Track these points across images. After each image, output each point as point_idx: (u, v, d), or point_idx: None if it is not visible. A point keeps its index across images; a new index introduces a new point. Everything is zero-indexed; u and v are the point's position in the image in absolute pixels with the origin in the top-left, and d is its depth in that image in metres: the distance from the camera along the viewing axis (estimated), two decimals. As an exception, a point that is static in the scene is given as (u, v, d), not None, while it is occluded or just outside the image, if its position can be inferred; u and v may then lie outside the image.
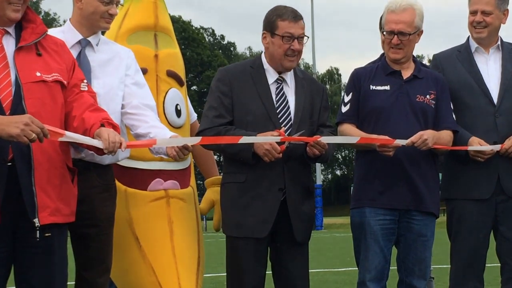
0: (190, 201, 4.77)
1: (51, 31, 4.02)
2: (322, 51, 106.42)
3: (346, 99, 4.80)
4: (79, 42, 4.25)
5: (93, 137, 3.61)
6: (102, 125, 3.64)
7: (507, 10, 4.95)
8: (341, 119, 4.79)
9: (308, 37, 4.64)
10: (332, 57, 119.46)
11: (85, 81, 3.83)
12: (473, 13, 4.90)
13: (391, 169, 4.62)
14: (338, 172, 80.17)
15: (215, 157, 5.53)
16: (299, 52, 4.58)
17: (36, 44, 3.64)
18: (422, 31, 4.77)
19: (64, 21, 4.43)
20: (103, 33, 4.62)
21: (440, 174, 5.03)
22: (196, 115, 5.17)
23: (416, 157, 4.63)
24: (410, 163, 4.64)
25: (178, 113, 4.74)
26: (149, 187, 4.58)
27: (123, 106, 4.25)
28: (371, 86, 4.74)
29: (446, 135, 4.71)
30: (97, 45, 4.30)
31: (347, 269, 11.42)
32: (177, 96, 4.77)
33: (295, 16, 4.55)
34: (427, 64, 5.27)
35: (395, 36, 4.68)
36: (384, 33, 4.73)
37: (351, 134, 4.66)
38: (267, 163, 4.41)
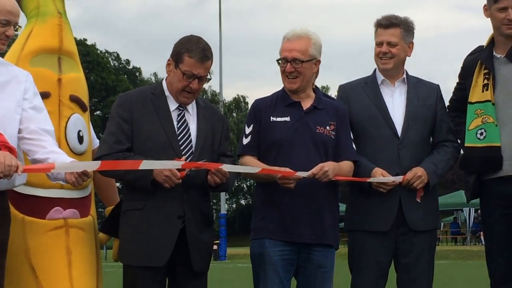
0: (90, 231, 4.67)
1: None
2: (230, 79, 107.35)
3: (247, 130, 4.78)
4: (-27, 64, 4.11)
5: None
6: (-2, 148, 3.52)
7: (412, 43, 5.04)
8: (242, 151, 4.78)
9: (210, 79, 4.61)
10: (239, 85, 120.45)
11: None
12: (379, 44, 4.98)
13: (291, 201, 4.62)
14: (242, 202, 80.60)
15: (117, 184, 5.43)
16: (197, 91, 4.56)
17: None
18: (319, 61, 4.79)
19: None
20: (3, 54, 4.48)
21: (343, 205, 5.06)
22: (98, 141, 5.07)
23: (316, 189, 4.63)
24: (310, 195, 4.64)
25: (81, 139, 4.64)
26: (48, 216, 4.46)
27: (20, 131, 4.12)
28: (271, 118, 4.73)
29: (346, 166, 4.73)
30: (-7, 67, 4.17)
31: (249, 299, 11.35)
32: (80, 122, 4.68)
33: (203, 57, 4.50)
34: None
35: (289, 63, 4.70)
36: (279, 61, 4.75)
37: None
38: (167, 191, 4.36)
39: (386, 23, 4.96)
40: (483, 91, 4.95)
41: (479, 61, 5.02)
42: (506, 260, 4.94)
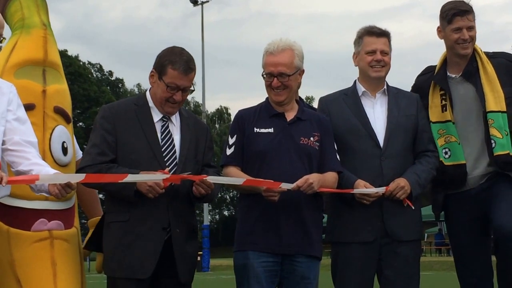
0: (74, 242, 4.66)
1: None
2: (212, 90, 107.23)
3: (231, 141, 4.78)
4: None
5: None
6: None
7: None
8: (225, 162, 4.77)
9: (193, 90, 4.61)
10: (222, 96, 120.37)
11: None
12: (371, 52, 4.97)
13: (274, 213, 4.62)
14: (226, 213, 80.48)
15: (100, 195, 5.42)
16: (180, 102, 4.57)
17: None
18: (303, 71, 4.81)
19: None
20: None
21: (326, 216, 5.07)
22: (81, 152, 5.07)
23: (299, 200, 4.64)
24: (294, 207, 4.64)
25: (65, 151, 4.64)
26: (33, 228, 4.45)
27: (3, 142, 4.11)
28: (255, 129, 4.74)
29: (331, 177, 4.74)
30: (-24, 79, 4.16)
31: (233, 311, 11.32)
32: (64, 133, 4.68)
33: (187, 69, 4.50)
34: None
35: (275, 78, 4.71)
36: (264, 75, 4.76)
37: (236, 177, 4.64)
38: (151, 202, 4.36)
39: (379, 32, 4.99)
40: (442, 111, 5.08)
41: (432, 82, 5.14)
42: (478, 267, 5.08)
